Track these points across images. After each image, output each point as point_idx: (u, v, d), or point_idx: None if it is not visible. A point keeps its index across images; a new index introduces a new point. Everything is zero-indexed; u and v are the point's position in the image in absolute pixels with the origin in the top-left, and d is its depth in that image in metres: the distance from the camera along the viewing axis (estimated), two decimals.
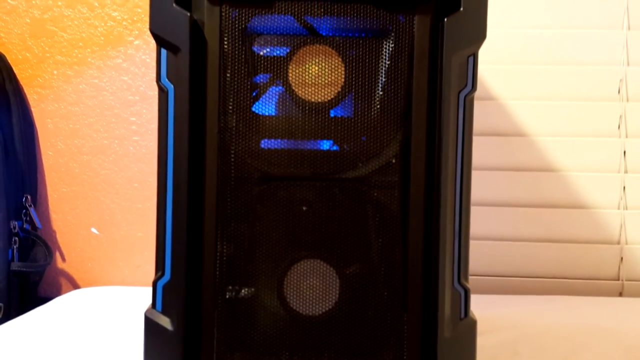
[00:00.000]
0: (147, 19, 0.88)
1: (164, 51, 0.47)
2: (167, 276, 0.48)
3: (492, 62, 0.88)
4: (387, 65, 0.47)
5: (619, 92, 0.87)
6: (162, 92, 0.47)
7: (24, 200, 0.86)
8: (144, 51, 0.89)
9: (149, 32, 0.88)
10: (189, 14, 0.46)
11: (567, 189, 0.87)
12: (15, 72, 0.89)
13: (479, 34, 0.47)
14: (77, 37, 0.89)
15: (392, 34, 0.47)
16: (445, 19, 0.46)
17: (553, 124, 0.87)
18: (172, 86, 0.47)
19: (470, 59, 0.47)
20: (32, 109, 0.90)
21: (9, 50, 0.89)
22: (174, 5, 0.46)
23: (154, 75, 0.89)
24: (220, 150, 0.48)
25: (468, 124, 0.48)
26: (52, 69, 0.90)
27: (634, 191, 0.87)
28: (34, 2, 0.89)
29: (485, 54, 0.86)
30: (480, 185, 0.87)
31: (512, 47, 0.88)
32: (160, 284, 0.48)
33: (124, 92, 0.90)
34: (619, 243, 0.87)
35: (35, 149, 0.90)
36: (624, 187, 0.87)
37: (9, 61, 0.88)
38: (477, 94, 0.87)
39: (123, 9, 0.89)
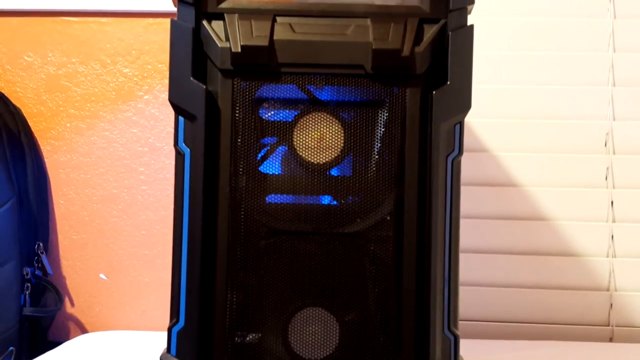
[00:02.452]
0: (156, 74, 0.96)
1: (181, 118, 0.54)
2: (181, 323, 0.54)
3: (485, 116, 0.95)
4: (382, 132, 0.54)
5: (605, 145, 0.94)
6: (179, 155, 0.54)
7: (36, 247, 0.92)
8: (153, 105, 0.96)
9: (158, 87, 0.96)
10: (204, 87, 0.53)
11: (557, 238, 0.93)
12: (30, 125, 0.95)
13: (465, 105, 0.53)
14: (89, 92, 0.96)
15: (387, 104, 0.54)
16: (434, 92, 0.53)
17: (543, 175, 0.94)
18: (188, 150, 0.53)
19: (457, 127, 0.54)
20: (46, 160, 0.96)
21: (24, 104, 0.96)
22: (191, 78, 0.53)
23: (163, 128, 0.97)
24: (232, 207, 0.54)
25: (456, 183, 0.54)
26: (65, 122, 0.96)
27: (622, 240, 0.93)
28: (49, 58, 0.97)
29: (479, 108, 0.94)
30: (474, 233, 0.93)
31: (504, 102, 0.95)
32: (174, 330, 0.54)
33: (134, 144, 0.96)
34: (608, 290, 0.93)
35: (47, 198, 0.96)
36: (612, 236, 0.93)
37: (25, 115, 0.95)
38: (471, 145, 0.95)
39: (134, 66, 0.96)
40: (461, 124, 0.54)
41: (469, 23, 0.54)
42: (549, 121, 0.94)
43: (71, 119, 0.97)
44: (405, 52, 0.52)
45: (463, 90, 0.53)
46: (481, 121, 0.95)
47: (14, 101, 0.95)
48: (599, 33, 0.94)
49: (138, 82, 0.96)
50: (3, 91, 0.95)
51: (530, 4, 0.95)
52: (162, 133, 0.97)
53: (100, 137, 0.97)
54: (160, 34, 0.96)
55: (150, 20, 0.96)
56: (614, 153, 0.94)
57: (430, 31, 0.53)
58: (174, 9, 0.87)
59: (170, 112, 0.94)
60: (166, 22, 0.96)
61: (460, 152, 0.54)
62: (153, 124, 0.97)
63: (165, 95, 0.96)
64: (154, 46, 0.96)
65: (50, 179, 0.97)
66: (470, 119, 0.94)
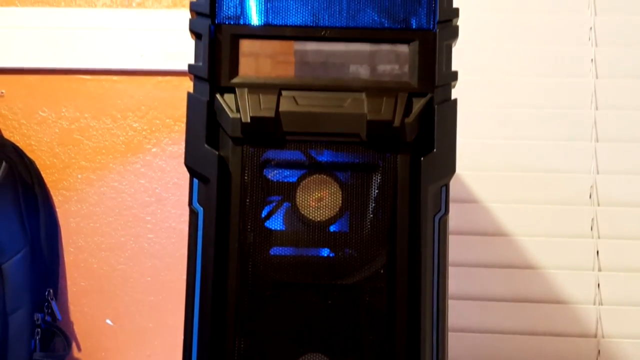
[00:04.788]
0: (163, 128, 1.04)
1: (195, 180, 0.61)
2: None
3: (475, 169, 1.02)
4: (376, 193, 0.62)
5: (590, 197, 1.01)
6: (193, 213, 0.61)
7: (46, 294, 0.99)
8: (161, 157, 1.04)
9: (165, 141, 1.04)
10: (217, 152, 0.61)
11: (546, 285, 1.00)
12: (43, 176, 1.03)
13: (450, 169, 0.61)
14: (100, 145, 1.05)
15: (380, 168, 0.61)
16: (422, 158, 0.60)
17: (532, 226, 1.01)
18: (201, 209, 0.61)
19: (443, 189, 0.61)
20: (57, 209, 1.04)
21: (38, 156, 1.04)
22: (205, 145, 0.61)
23: (169, 179, 1.05)
24: (240, 261, 0.61)
25: (443, 240, 0.62)
26: (76, 173, 1.04)
27: (608, 288, 1.00)
28: (63, 113, 1.05)
29: (471, 161, 1.02)
30: (466, 281, 1.00)
31: (493, 156, 1.03)
32: None
33: (141, 194, 1.04)
34: (596, 336, 0.99)
35: (58, 246, 1.03)
36: (599, 284, 1.00)
37: (38, 166, 1.03)
38: (462, 197, 1.03)
39: (143, 120, 1.05)
40: (447, 186, 0.61)
41: (453, 97, 0.62)
42: (537, 174, 1.02)
43: (82, 170, 1.04)
44: (396, 122, 0.60)
45: (448, 157, 0.61)
46: (471, 174, 1.03)
47: (28, 154, 1.03)
48: (581, 91, 1.03)
49: (147, 135, 1.05)
50: (18, 144, 1.03)
51: (517, 64, 1.04)
52: (168, 184, 1.04)
53: (110, 188, 1.04)
54: (168, 91, 1.05)
55: (159, 78, 1.04)
56: (598, 205, 1.01)
57: (418, 104, 0.61)
58: (182, 68, 0.97)
59: (176, 164, 1.03)
60: (174, 80, 1.04)
61: (447, 211, 0.62)
62: (160, 175, 1.04)
63: (172, 148, 1.04)
64: (163, 102, 1.05)
65: (61, 228, 1.04)
66: (462, 172, 1.02)
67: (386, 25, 0.62)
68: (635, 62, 1.03)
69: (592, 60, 1.03)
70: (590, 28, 1.04)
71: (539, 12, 1.05)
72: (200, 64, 0.62)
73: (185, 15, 1.01)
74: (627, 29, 1.04)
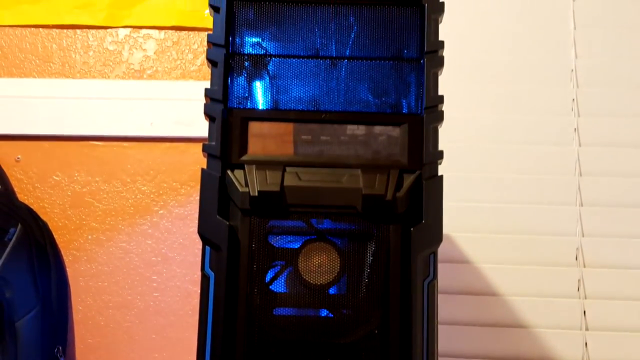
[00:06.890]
0: (170, 192, 1.13)
1: (207, 248, 0.70)
2: None
3: (466, 230, 1.11)
4: (370, 259, 0.70)
5: (576, 259, 1.10)
6: (205, 278, 0.70)
7: (55, 351, 1.06)
8: (167, 219, 1.13)
9: (172, 203, 1.13)
10: (227, 223, 0.69)
11: (534, 345, 1.07)
12: (55, 237, 1.12)
13: (437, 238, 0.70)
14: (110, 207, 1.13)
15: (374, 237, 0.70)
16: (412, 229, 0.69)
17: (520, 286, 1.09)
18: (213, 274, 0.69)
19: (432, 256, 0.70)
20: (67, 269, 1.12)
21: (51, 218, 1.13)
22: (217, 216, 0.70)
23: (175, 239, 1.13)
24: (247, 321, 0.69)
25: (431, 303, 0.70)
26: (87, 234, 1.13)
27: (595, 347, 1.07)
28: (75, 178, 1.14)
29: (460, 223, 1.11)
30: (456, 339, 1.07)
31: (483, 219, 1.12)
32: None
33: (148, 254, 1.12)
34: None
35: (67, 304, 1.11)
36: (586, 344, 1.07)
37: (51, 228, 1.12)
38: (454, 257, 1.11)
39: (151, 184, 1.14)
40: (435, 253, 0.70)
41: (440, 172, 0.72)
42: (525, 236, 1.11)
43: (92, 231, 1.13)
44: (389, 196, 0.69)
45: (435, 227, 0.70)
46: (463, 235, 1.11)
47: (42, 216, 1.11)
48: (566, 158, 1.12)
49: (154, 198, 1.14)
50: (33, 207, 1.11)
51: (505, 133, 1.14)
52: (174, 244, 1.13)
53: (118, 248, 1.13)
54: (175, 156, 1.14)
55: (167, 144, 1.14)
56: (584, 266, 1.10)
57: (408, 180, 0.70)
58: (189, 135, 1.07)
59: (182, 225, 1.11)
60: (181, 146, 1.14)
61: (435, 276, 0.70)
62: (166, 236, 1.13)
63: (178, 210, 1.13)
64: (170, 167, 1.14)
65: (71, 287, 1.12)
66: (454, 233, 1.11)
67: (379, 109, 0.72)
68: (616, 130, 1.13)
69: (575, 129, 1.13)
70: (573, 99, 1.14)
71: (525, 84, 1.15)
72: (213, 143, 0.71)
73: (193, 86, 1.13)
74: (607, 100, 1.14)
